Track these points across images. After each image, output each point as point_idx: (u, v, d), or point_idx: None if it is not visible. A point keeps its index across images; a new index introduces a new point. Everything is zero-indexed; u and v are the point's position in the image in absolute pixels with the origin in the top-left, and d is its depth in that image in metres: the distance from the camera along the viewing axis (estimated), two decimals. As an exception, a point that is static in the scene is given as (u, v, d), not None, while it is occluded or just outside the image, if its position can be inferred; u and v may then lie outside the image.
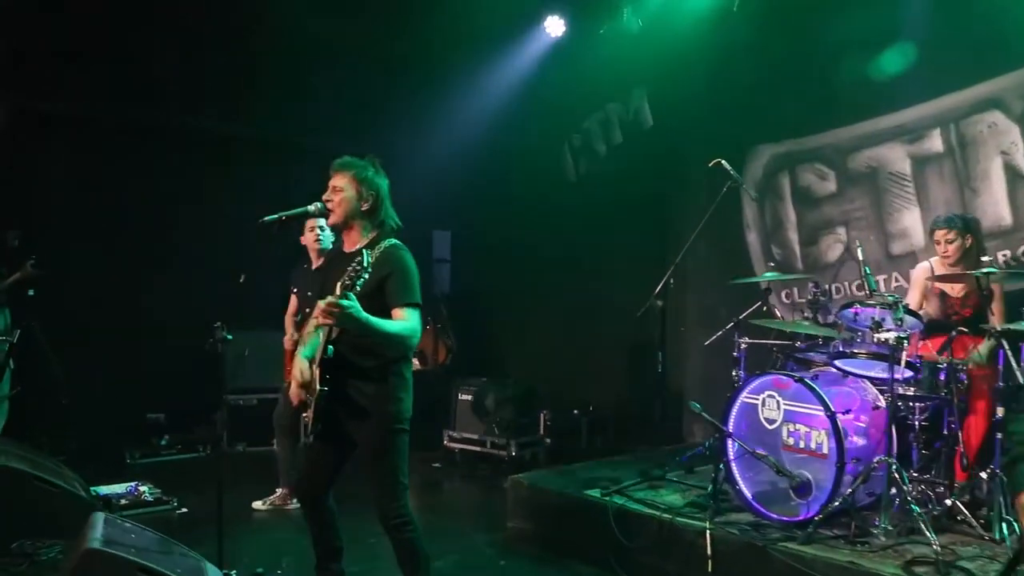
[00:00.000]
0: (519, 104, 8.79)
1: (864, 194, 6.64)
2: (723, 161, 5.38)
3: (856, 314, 4.52)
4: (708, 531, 4.46)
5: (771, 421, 4.70)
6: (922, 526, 4.05)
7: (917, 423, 4.66)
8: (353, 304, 3.32)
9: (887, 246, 6.53)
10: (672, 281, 7.56)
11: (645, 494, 5.20)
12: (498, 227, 9.47)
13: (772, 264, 6.41)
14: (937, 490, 4.47)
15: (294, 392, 3.73)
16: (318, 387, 3.57)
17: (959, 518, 4.33)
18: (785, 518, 4.52)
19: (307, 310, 5.19)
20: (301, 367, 3.69)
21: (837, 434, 4.31)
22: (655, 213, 8.22)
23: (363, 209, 3.71)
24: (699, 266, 7.56)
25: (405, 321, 3.52)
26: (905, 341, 4.21)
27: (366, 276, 3.35)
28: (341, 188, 3.69)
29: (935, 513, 4.31)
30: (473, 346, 9.25)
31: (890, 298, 4.32)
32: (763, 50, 6.95)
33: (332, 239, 5.54)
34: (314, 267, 5.66)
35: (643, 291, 5.84)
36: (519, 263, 9.20)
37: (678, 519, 4.67)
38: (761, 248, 7.29)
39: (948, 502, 4.36)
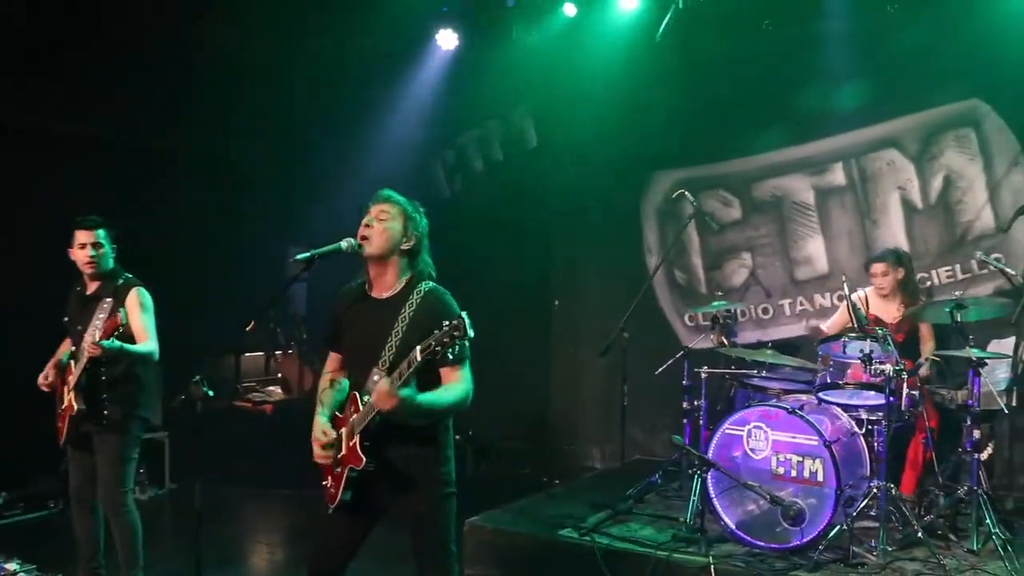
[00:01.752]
0: (396, 116, 8.55)
1: (769, 221, 7.19)
2: (686, 192, 5.61)
3: (845, 347, 4.89)
4: (712, 565, 4.62)
5: (757, 451, 4.96)
6: (921, 544, 4.49)
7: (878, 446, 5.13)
8: (411, 395, 3.04)
9: (792, 272, 7.12)
10: (557, 303, 7.83)
11: (619, 530, 5.27)
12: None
13: (720, 293, 6.74)
14: (916, 509, 4.95)
15: (319, 455, 3.36)
16: (364, 461, 3.18)
17: (939, 532, 4.83)
18: (775, 545, 4.78)
19: (74, 347, 4.45)
20: (323, 428, 3.36)
21: (834, 462, 4.65)
22: (539, 234, 8.34)
23: (403, 248, 3.39)
24: (596, 290, 7.79)
25: (459, 384, 3.23)
26: (904, 373, 4.63)
27: (464, 343, 3.08)
28: (389, 217, 3.35)
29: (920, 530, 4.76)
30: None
31: (879, 332, 4.73)
32: (671, 78, 7.31)
33: (113, 257, 4.55)
34: (88, 293, 4.55)
35: (526, 310, 5.92)
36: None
37: (675, 555, 4.78)
38: (664, 272, 7.63)
39: (929, 518, 4.84)
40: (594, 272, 7.99)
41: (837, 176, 6.92)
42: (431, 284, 3.39)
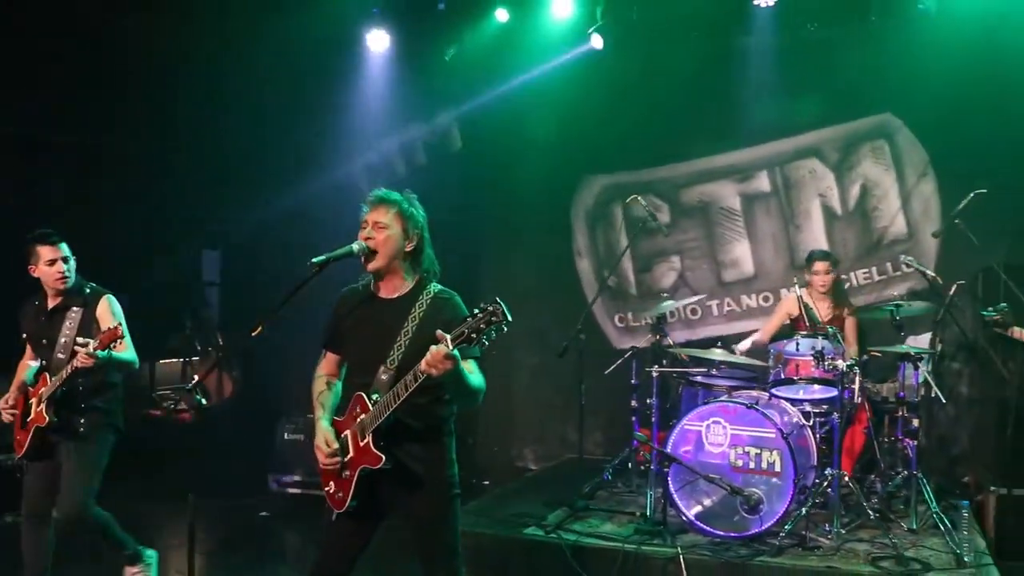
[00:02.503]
0: (321, 119, 8.48)
1: (697, 226, 7.59)
2: (639, 197, 5.87)
3: (798, 344, 5.26)
4: (680, 555, 4.87)
5: (717, 445, 5.27)
6: (867, 525, 4.90)
7: (819, 437, 5.55)
8: (458, 358, 3.05)
9: (719, 274, 7.55)
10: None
11: (581, 526, 5.46)
12: (276, 247, 9.01)
13: (665, 294, 7.04)
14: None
15: (326, 462, 3.33)
16: (383, 459, 3.20)
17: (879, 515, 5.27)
18: (734, 534, 5.09)
19: (42, 360, 4.43)
20: (326, 437, 3.35)
21: (791, 452, 5.01)
22: (468, 236, 8.46)
23: (407, 250, 3.41)
24: (527, 292, 7.99)
25: (478, 376, 3.30)
26: (856, 368, 5.04)
27: (502, 329, 3.02)
28: (386, 225, 3.34)
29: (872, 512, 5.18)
30: (257, 379, 8.70)
31: (830, 330, 5.13)
32: (603, 86, 7.59)
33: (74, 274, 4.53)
34: (50, 307, 4.51)
35: None
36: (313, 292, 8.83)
37: (643, 548, 5.01)
38: (594, 274, 7.92)
39: (874, 501, 5.28)
40: (524, 274, 8.17)
41: (762, 183, 7.39)
42: (439, 286, 3.46)
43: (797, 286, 5.48)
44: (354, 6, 7.66)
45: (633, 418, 6.23)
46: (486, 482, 7.56)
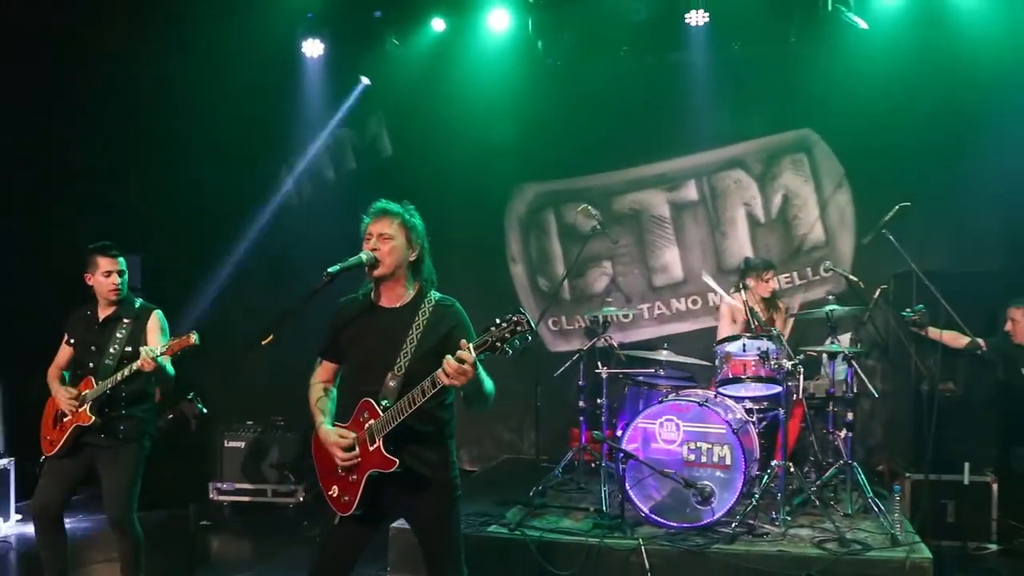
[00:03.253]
0: (245, 124, 8.46)
1: (628, 233, 7.99)
2: (589, 207, 6.20)
3: (744, 346, 5.70)
4: (642, 546, 5.21)
5: (670, 441, 5.65)
6: (807, 512, 5.37)
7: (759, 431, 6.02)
8: (479, 366, 3.25)
9: (650, 279, 7.98)
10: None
11: (541, 523, 5.73)
12: (199, 253, 8.92)
13: (609, 299, 7.36)
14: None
15: (345, 458, 3.44)
16: (397, 462, 3.33)
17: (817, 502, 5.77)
18: (687, 524, 5.47)
19: (90, 364, 4.66)
20: (340, 433, 3.46)
21: (742, 446, 5.43)
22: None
23: (410, 259, 3.58)
24: (462, 296, 8.16)
25: (489, 380, 3.47)
26: (800, 367, 5.51)
27: (526, 339, 3.23)
28: (391, 236, 3.51)
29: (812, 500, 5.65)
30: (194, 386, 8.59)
31: (774, 331, 5.59)
32: (537, 96, 7.90)
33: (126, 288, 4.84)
34: (102, 318, 4.78)
35: None
36: (232, 293, 8.79)
37: (606, 541, 5.32)
38: (527, 279, 8.22)
39: (814, 489, 5.76)
40: (457, 279, 8.30)
41: (690, 192, 7.87)
42: (439, 294, 3.65)
43: (741, 290, 5.90)
44: (291, 11, 7.75)
45: (581, 418, 6.55)
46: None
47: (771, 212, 7.71)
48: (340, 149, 8.74)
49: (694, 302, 7.82)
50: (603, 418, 6.29)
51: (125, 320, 4.71)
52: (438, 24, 7.79)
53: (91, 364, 4.68)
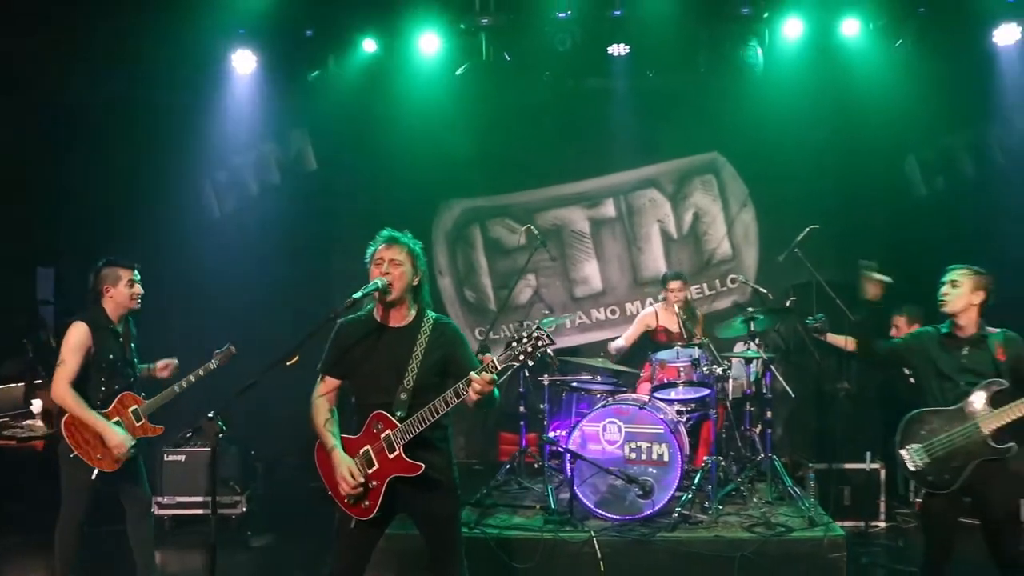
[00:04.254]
0: (170, 136, 8.60)
1: (551, 247, 8.60)
2: (532, 227, 6.79)
3: (678, 353, 6.40)
4: (594, 538, 5.81)
5: (613, 442, 6.28)
6: (733, 501, 6.12)
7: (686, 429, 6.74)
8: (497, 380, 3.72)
9: (571, 290, 8.64)
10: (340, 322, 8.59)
11: (495, 521, 6.24)
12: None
13: (547, 312, 7.92)
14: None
15: (352, 491, 3.82)
16: (422, 467, 3.77)
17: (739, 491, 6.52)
18: (629, 516, 6.09)
19: (115, 378, 5.02)
20: (351, 470, 3.82)
21: (679, 444, 6.12)
22: (319, 254, 8.94)
23: (414, 284, 3.97)
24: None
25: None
26: (729, 372, 6.25)
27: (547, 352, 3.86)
28: (401, 262, 3.91)
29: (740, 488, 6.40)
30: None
31: (704, 340, 6.31)
32: (464, 116, 8.41)
33: None
34: (120, 328, 5.16)
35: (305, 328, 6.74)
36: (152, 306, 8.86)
37: (560, 535, 5.88)
38: (455, 291, 8.73)
39: (739, 480, 6.52)
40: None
41: (608, 209, 8.59)
42: (435, 314, 4.09)
43: (657, 301, 6.61)
44: (225, 24, 7.95)
45: (521, 423, 7.10)
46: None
47: (683, 229, 8.52)
48: (264, 163, 8.98)
49: (612, 312, 8.53)
50: (546, 423, 6.86)
51: (125, 330, 5.16)
52: (369, 45, 8.16)
53: (129, 377, 5.12)
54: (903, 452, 4.63)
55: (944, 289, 4.68)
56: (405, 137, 8.50)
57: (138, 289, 5.10)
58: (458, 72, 7.98)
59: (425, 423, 3.77)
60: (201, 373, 5.21)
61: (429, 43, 8.09)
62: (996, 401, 4.44)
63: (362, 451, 3.88)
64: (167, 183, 8.89)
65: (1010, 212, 7.75)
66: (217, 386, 4.73)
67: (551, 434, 6.51)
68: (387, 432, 3.84)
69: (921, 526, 4.86)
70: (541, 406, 6.83)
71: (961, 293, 4.63)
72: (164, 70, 8.03)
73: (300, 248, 8.68)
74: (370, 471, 3.86)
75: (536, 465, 7.04)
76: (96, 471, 4.88)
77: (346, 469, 3.83)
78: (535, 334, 3.66)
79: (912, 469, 4.60)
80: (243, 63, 8.21)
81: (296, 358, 3.98)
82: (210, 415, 4.02)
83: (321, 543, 6.19)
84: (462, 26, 7.95)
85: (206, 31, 7.89)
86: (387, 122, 8.50)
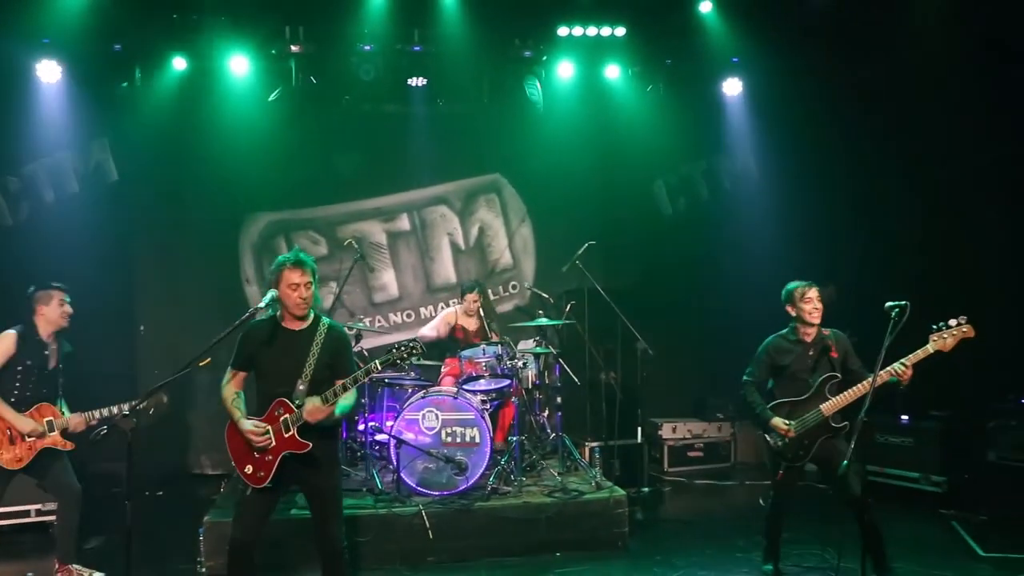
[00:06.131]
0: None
1: (351, 257, 9.53)
2: (353, 241, 7.75)
3: (484, 350, 7.63)
4: (423, 510, 6.88)
5: (431, 428, 7.39)
6: (546, 473, 7.49)
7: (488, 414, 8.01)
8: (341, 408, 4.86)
9: (371, 297, 9.64)
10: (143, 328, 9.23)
11: (330, 504, 7.15)
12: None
13: (359, 317, 8.75)
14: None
15: (262, 440, 4.73)
16: (310, 445, 4.75)
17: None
18: (447, 492, 7.24)
19: (40, 388, 5.93)
20: (254, 423, 4.75)
21: (489, 429, 7.35)
22: (123, 264, 9.29)
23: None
24: (197, 314, 9.18)
25: (355, 393, 5.00)
26: (528, 366, 7.59)
27: (419, 357, 4.95)
28: (311, 283, 4.84)
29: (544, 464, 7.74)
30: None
31: (505, 339, 7.62)
32: (269, 134, 9.13)
33: None
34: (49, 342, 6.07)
35: (110, 336, 8.02)
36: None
37: (393, 510, 6.89)
38: (260, 298, 9.38)
39: (534, 457, 7.86)
40: (192, 298, 9.29)
41: (403, 223, 9.70)
42: (327, 319, 5.07)
43: (458, 305, 7.84)
44: (24, 35, 8.19)
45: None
46: (160, 493, 8.63)
47: (470, 241, 9.81)
48: (60, 171, 9.11)
49: (408, 316, 9.65)
50: (368, 414, 7.85)
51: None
52: (179, 63, 8.70)
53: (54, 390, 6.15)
54: (767, 436, 5.87)
55: (816, 305, 5.81)
56: (213, 152, 9.08)
57: (68, 309, 6.07)
58: (271, 98, 8.72)
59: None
60: (115, 411, 5.90)
61: (239, 65, 8.76)
62: (832, 390, 5.74)
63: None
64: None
65: (736, 227, 9.82)
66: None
67: (371, 424, 7.51)
68: (285, 416, 4.77)
69: (774, 487, 6.03)
70: (362, 400, 7.79)
71: (822, 307, 5.84)
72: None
73: (105, 257, 8.93)
74: (269, 446, 4.76)
75: (359, 453, 7.98)
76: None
77: (251, 425, 4.74)
78: (410, 344, 4.86)
79: (775, 448, 5.84)
80: (48, 73, 8.43)
81: (208, 360, 4.90)
82: (126, 412, 4.75)
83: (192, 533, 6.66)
84: (272, 51, 8.71)
85: (9, 38, 8.06)
86: (196, 137, 9.05)
